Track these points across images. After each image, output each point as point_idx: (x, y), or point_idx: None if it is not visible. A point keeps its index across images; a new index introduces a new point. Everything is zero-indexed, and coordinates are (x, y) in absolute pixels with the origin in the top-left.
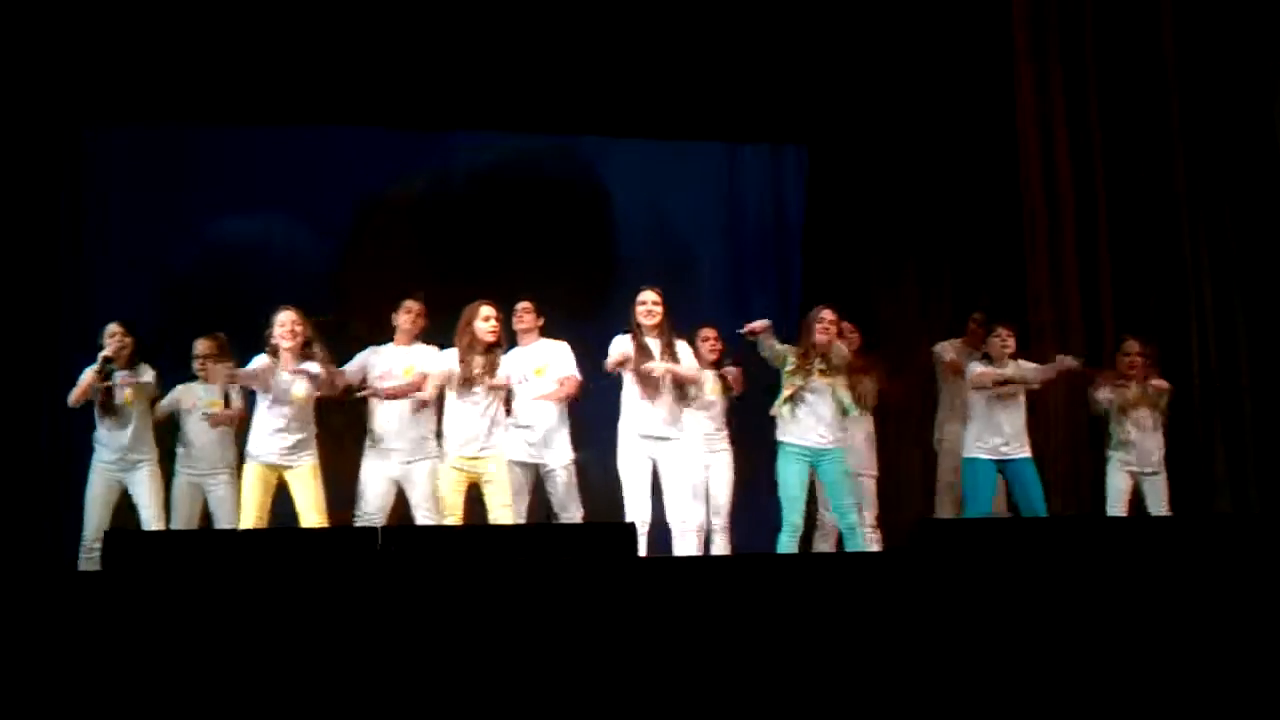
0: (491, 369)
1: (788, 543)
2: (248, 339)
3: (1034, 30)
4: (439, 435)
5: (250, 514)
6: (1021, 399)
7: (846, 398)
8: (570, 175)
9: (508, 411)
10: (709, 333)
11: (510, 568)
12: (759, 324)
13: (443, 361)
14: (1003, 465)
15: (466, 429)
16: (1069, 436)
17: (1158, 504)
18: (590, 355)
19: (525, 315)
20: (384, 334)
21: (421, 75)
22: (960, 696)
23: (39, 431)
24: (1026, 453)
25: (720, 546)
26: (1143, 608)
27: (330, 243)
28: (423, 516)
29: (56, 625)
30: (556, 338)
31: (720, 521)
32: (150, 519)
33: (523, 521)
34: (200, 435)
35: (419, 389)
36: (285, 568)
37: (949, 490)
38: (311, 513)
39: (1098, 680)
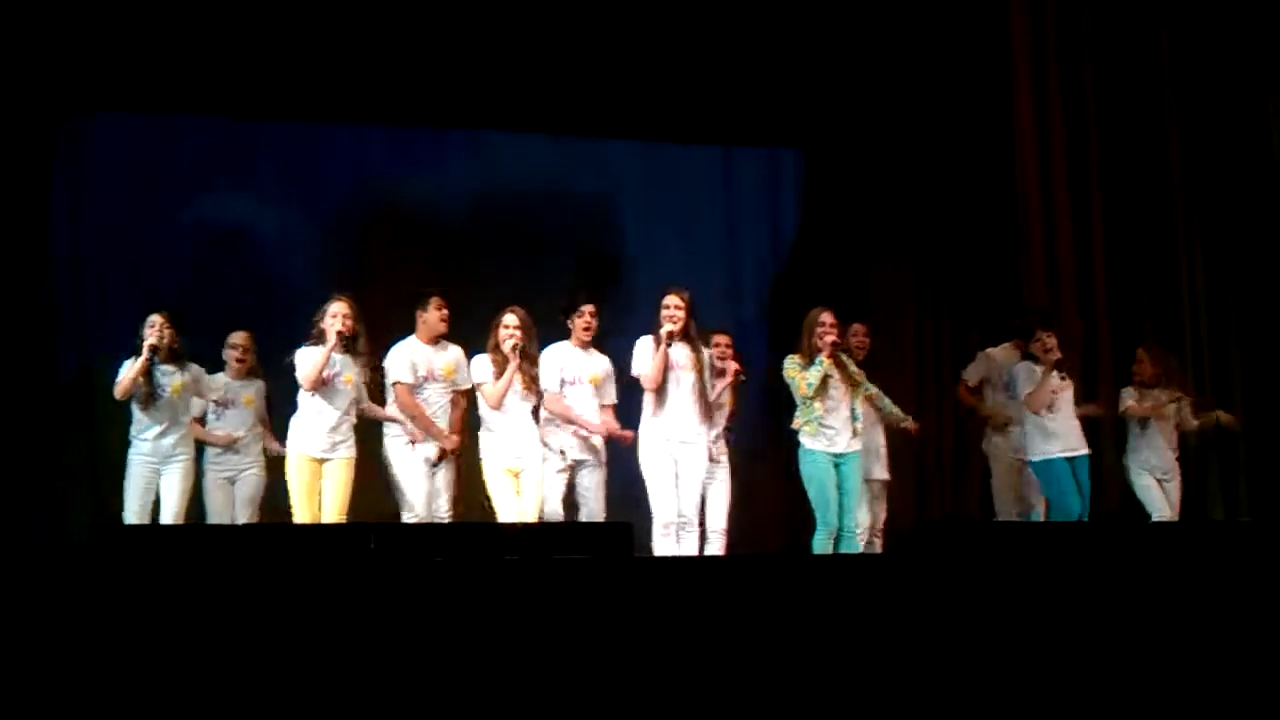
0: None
1: (824, 543)
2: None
3: (1032, 35)
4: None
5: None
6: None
7: (859, 407)
8: (565, 177)
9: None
10: (721, 339)
11: (504, 566)
12: None
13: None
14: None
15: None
16: None
17: (1170, 508)
18: None
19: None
20: (384, 337)
21: (417, 75)
22: (960, 698)
23: (29, 425)
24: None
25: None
26: (1140, 611)
27: (334, 246)
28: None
29: (45, 619)
30: (550, 341)
31: (718, 527)
32: (171, 516)
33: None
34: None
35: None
36: (278, 565)
37: (1007, 491)
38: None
39: (1097, 681)
